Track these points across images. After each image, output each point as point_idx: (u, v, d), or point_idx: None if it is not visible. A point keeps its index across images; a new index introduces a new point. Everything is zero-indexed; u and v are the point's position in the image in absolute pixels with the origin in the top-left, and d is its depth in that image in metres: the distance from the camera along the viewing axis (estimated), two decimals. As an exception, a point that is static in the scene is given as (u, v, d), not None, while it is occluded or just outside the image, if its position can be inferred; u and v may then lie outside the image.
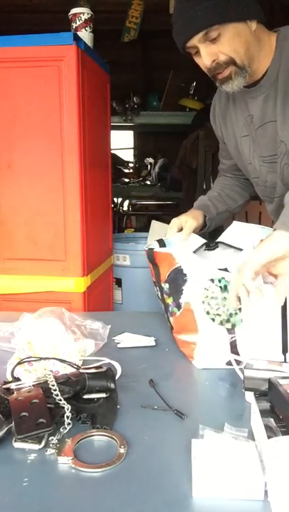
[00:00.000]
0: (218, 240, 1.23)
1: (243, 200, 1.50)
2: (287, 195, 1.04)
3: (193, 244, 1.23)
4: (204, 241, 1.25)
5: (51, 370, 0.96)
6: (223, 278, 1.08)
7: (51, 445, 0.76)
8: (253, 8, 1.07)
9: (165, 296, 1.18)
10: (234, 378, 1.01)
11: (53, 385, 0.85)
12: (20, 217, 1.80)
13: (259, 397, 0.80)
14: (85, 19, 1.89)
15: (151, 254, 1.21)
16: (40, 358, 1.02)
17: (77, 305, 1.79)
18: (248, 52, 1.08)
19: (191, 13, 1.03)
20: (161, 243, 1.24)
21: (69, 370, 0.97)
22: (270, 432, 0.70)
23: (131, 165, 4.52)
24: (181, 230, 1.29)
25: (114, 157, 3.75)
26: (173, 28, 1.09)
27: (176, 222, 1.29)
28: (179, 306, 1.12)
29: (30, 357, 1.02)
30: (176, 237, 1.27)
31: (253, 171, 1.31)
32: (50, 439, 0.78)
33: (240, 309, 1.07)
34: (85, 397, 0.88)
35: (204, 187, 3.18)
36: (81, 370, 0.93)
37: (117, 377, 0.95)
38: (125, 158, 4.64)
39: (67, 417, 0.81)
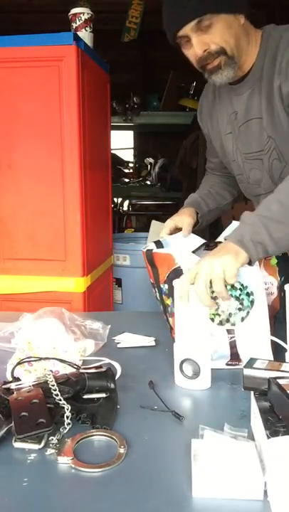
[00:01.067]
0: (217, 239, 1.23)
1: (231, 197, 1.51)
2: (244, 214, 1.05)
3: (192, 244, 1.23)
4: (204, 241, 1.25)
5: (51, 370, 0.96)
6: (223, 278, 1.08)
7: (51, 445, 0.76)
8: (243, 1, 1.10)
9: (164, 296, 1.18)
10: (234, 378, 1.01)
11: (53, 385, 0.85)
12: (20, 217, 1.80)
13: (259, 397, 0.80)
14: (85, 19, 1.89)
15: (150, 256, 1.21)
16: (40, 358, 1.02)
17: (77, 305, 1.79)
18: (238, 44, 1.10)
19: (184, 2, 1.05)
20: (159, 244, 1.24)
21: (69, 370, 0.97)
22: (271, 425, 0.70)
23: (131, 165, 4.52)
24: (174, 230, 1.30)
25: (114, 157, 3.75)
26: (163, 17, 1.10)
27: (169, 223, 1.30)
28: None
29: (30, 357, 1.02)
30: (176, 237, 1.27)
31: (237, 168, 1.33)
32: (50, 439, 0.77)
33: (240, 309, 1.07)
34: (85, 397, 0.88)
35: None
36: (81, 370, 0.93)
37: (116, 377, 0.95)
38: (125, 158, 4.64)
39: (67, 417, 0.81)
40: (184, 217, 1.31)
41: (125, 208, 4.18)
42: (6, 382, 0.89)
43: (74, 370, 0.95)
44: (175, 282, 1.05)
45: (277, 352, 1.04)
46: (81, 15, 1.89)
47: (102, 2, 3.60)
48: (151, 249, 1.22)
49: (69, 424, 0.81)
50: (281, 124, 1.13)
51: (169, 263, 1.16)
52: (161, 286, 1.19)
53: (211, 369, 1.01)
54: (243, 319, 1.07)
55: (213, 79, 1.14)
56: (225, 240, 1.04)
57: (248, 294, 1.07)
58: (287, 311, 1.00)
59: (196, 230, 1.36)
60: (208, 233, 2.81)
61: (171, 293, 1.15)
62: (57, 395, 0.83)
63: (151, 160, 4.05)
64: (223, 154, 1.36)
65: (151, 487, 0.68)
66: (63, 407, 0.82)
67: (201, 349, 0.98)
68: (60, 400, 0.83)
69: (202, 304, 0.97)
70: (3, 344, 1.17)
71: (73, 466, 0.72)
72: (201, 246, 1.24)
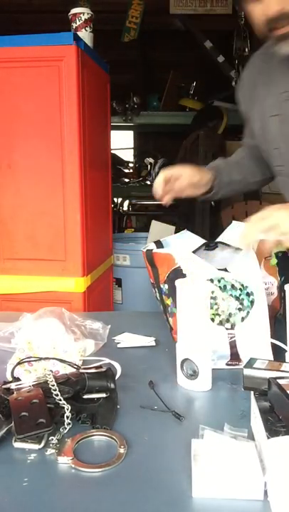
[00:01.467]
0: (217, 239, 1.23)
1: (262, 176, 1.36)
2: None
3: (192, 244, 1.23)
4: (204, 241, 1.24)
5: (51, 370, 0.96)
6: (222, 278, 1.08)
7: (51, 445, 0.76)
8: None
9: (164, 296, 1.18)
10: (234, 378, 1.01)
11: (53, 385, 0.85)
12: (20, 217, 1.80)
13: (259, 397, 0.80)
14: (85, 19, 1.90)
15: (150, 256, 1.21)
16: (40, 358, 1.02)
17: (77, 305, 1.79)
18: None
19: None
20: (159, 244, 1.24)
21: (69, 370, 0.96)
22: (271, 425, 0.70)
23: (131, 165, 4.52)
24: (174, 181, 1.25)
25: (114, 157, 3.75)
26: None
27: (164, 173, 1.21)
28: (178, 306, 1.12)
29: (30, 357, 1.02)
30: (176, 238, 1.27)
31: (278, 158, 1.17)
32: (50, 439, 0.77)
33: (240, 309, 1.07)
34: (85, 397, 0.88)
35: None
36: (81, 370, 0.93)
37: (116, 377, 0.95)
38: (125, 158, 4.63)
39: (67, 417, 0.81)
40: (187, 169, 1.19)
41: (125, 208, 4.18)
42: (6, 382, 0.89)
43: (74, 370, 0.95)
44: (178, 282, 1.04)
45: (277, 352, 1.04)
46: (81, 15, 1.89)
47: (102, 2, 3.60)
48: (151, 249, 1.22)
49: (69, 424, 0.81)
50: None
51: (169, 263, 1.16)
52: (161, 286, 1.19)
53: (212, 369, 1.01)
54: (243, 319, 1.07)
55: (280, 47, 0.97)
56: None
57: (248, 294, 1.07)
58: (287, 311, 1.00)
59: (208, 198, 1.28)
60: (208, 233, 2.81)
61: (171, 293, 1.15)
62: (57, 395, 0.83)
63: (151, 160, 4.05)
64: (263, 139, 1.20)
65: (151, 487, 0.68)
66: (63, 407, 0.82)
67: (201, 350, 0.98)
68: (60, 399, 0.83)
69: (245, 236, 0.97)
70: (3, 344, 1.17)
71: (73, 466, 0.72)
72: (201, 246, 1.23)
